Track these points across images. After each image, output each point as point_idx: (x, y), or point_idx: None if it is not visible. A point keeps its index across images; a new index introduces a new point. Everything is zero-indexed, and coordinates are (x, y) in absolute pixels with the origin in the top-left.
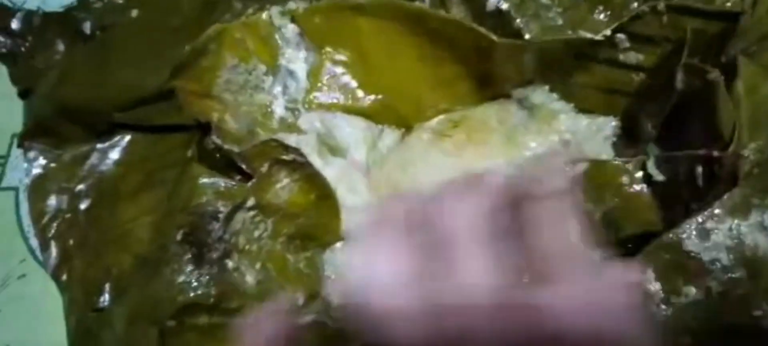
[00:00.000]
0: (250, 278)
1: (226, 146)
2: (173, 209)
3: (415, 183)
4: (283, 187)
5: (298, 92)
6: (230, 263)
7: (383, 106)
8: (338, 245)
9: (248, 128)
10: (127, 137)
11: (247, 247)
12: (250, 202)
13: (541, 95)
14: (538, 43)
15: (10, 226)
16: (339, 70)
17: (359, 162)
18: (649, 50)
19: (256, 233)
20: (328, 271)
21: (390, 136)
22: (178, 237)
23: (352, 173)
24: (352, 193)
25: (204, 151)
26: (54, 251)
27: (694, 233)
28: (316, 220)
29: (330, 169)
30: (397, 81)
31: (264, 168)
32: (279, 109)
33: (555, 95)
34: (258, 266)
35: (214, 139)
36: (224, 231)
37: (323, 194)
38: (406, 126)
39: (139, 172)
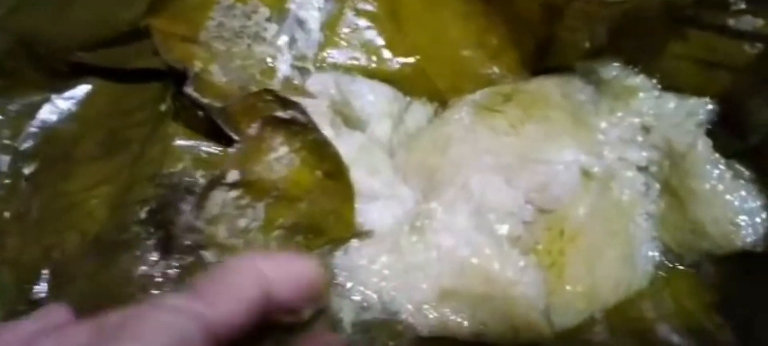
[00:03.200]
0: None
1: (205, 100)
2: (138, 177)
3: (458, 166)
4: (280, 158)
5: (309, 47)
6: (207, 256)
7: (415, 73)
8: (354, 242)
9: (241, 86)
10: (89, 87)
11: (229, 241)
12: (232, 176)
13: (612, 69)
14: (628, 1)
15: None
16: (362, 22)
17: (382, 139)
18: None
19: (242, 223)
20: (340, 277)
21: (420, 110)
22: (142, 215)
23: (373, 151)
24: (371, 176)
25: (182, 107)
26: None
27: None
28: (324, 206)
29: (344, 145)
30: (434, 42)
31: (253, 130)
32: (283, 67)
33: (633, 68)
34: None
35: (190, 91)
36: (196, 217)
37: (333, 171)
38: (440, 100)
39: (101, 130)
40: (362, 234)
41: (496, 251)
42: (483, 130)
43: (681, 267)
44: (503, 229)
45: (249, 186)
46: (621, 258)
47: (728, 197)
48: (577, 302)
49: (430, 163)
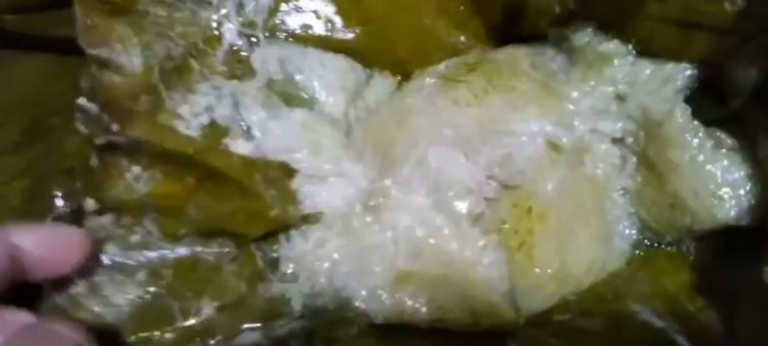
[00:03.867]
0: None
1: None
2: (54, 169)
3: (415, 140)
4: (136, 178)
5: (258, 13)
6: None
7: (374, 42)
8: (298, 228)
9: (181, 56)
10: (16, 68)
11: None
12: (90, 205)
13: (584, 35)
14: None
15: None
16: None
17: (334, 114)
18: None
19: (132, 239)
20: (284, 264)
21: (382, 83)
22: (55, 209)
23: (316, 128)
24: (314, 155)
25: None
26: None
27: None
28: (217, 209)
29: (279, 126)
30: (394, 9)
31: (93, 161)
32: (229, 35)
33: (606, 34)
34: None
35: (82, 103)
36: None
37: (209, 175)
38: (403, 72)
39: (24, 118)
40: (304, 219)
41: (455, 230)
42: (444, 102)
43: (660, 245)
44: (462, 206)
45: (121, 207)
46: (595, 237)
47: (709, 167)
48: (547, 284)
49: (386, 137)
